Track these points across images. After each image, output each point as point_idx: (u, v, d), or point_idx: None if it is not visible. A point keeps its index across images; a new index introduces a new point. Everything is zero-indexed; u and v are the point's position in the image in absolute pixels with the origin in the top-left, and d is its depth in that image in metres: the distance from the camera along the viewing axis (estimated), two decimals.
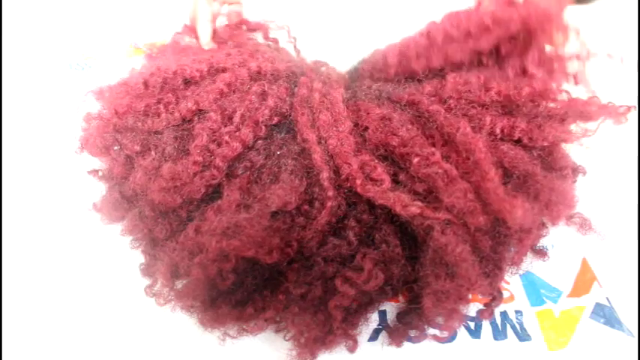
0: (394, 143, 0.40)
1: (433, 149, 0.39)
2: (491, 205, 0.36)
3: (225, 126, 0.42)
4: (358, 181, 0.38)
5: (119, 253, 0.46)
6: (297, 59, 0.59)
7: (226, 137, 0.41)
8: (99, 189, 0.47)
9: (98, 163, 0.48)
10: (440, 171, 0.37)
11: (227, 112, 0.43)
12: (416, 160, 0.38)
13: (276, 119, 0.44)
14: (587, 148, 0.47)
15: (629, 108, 0.45)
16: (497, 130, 0.42)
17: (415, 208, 0.36)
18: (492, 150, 0.40)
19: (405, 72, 0.47)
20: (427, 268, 0.37)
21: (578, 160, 0.47)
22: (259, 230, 0.36)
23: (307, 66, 0.55)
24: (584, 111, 0.44)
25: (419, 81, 0.47)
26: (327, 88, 0.47)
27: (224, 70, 0.47)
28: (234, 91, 0.46)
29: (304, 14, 0.63)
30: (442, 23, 0.48)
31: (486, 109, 0.43)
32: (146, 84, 0.46)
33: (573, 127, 0.45)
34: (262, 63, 0.48)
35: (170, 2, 0.81)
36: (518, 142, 0.42)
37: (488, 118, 0.42)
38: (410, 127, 0.41)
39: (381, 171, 0.39)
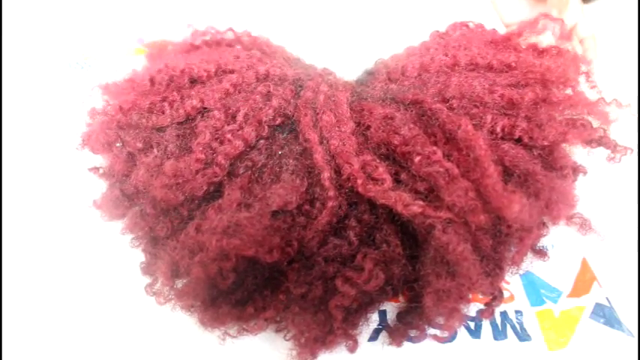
0: (396, 142, 0.40)
1: (435, 148, 0.39)
2: (491, 202, 0.36)
3: (229, 124, 0.42)
4: (359, 181, 0.38)
5: (119, 252, 0.46)
6: (307, 66, 0.59)
7: (229, 135, 0.42)
8: (99, 187, 0.47)
9: (98, 161, 0.48)
10: (441, 170, 0.37)
11: (231, 111, 0.44)
12: (417, 158, 0.38)
13: (279, 120, 0.44)
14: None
15: (627, 149, 0.46)
16: (498, 129, 0.42)
17: (416, 207, 0.36)
18: (493, 148, 0.40)
19: (421, 84, 0.48)
20: (428, 267, 0.37)
21: (579, 160, 0.47)
22: (260, 229, 0.36)
23: (316, 72, 0.55)
24: (589, 135, 0.45)
25: (424, 83, 0.47)
26: (333, 90, 0.48)
27: (232, 71, 0.47)
28: (239, 92, 0.46)
29: (307, 22, 0.63)
30: (470, 50, 0.49)
31: (488, 107, 0.43)
32: (152, 81, 0.46)
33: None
34: (271, 67, 0.48)
35: (171, 2, 0.81)
36: (519, 141, 0.42)
37: (489, 117, 0.42)
38: (412, 126, 0.41)
39: (382, 170, 0.39)
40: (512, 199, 0.35)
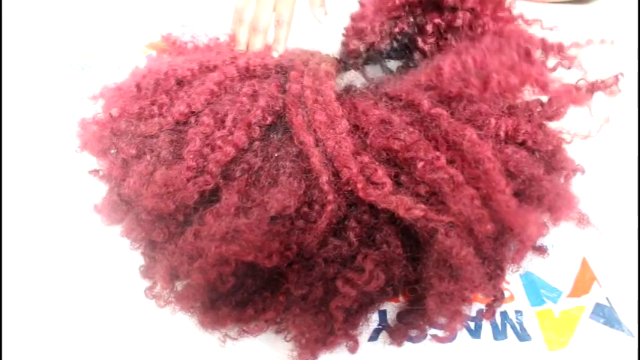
0: (397, 148, 0.39)
1: (438, 153, 0.38)
2: (503, 219, 0.36)
3: (219, 130, 0.42)
4: (359, 185, 0.38)
5: (120, 255, 0.46)
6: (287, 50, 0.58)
7: (219, 142, 0.41)
8: (100, 189, 0.47)
9: (99, 162, 0.48)
10: (446, 176, 0.37)
11: (219, 116, 0.43)
12: (421, 164, 0.38)
13: (269, 119, 0.44)
14: (587, 137, 0.46)
15: (616, 77, 0.44)
16: (502, 133, 0.41)
17: (418, 211, 0.36)
18: (497, 153, 0.39)
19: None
20: (430, 269, 0.37)
21: (578, 160, 0.47)
22: (259, 235, 0.36)
23: (297, 56, 0.54)
24: (576, 96, 0.43)
25: (415, 67, 0.46)
26: (318, 83, 0.47)
27: (214, 67, 0.47)
28: (225, 90, 0.45)
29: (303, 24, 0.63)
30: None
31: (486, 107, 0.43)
32: (139, 87, 0.46)
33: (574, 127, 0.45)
34: (251, 59, 0.48)
35: (172, 2, 0.81)
36: (522, 144, 0.42)
37: (492, 121, 0.41)
38: (411, 129, 0.40)
39: (381, 174, 0.38)
40: (529, 219, 0.34)
